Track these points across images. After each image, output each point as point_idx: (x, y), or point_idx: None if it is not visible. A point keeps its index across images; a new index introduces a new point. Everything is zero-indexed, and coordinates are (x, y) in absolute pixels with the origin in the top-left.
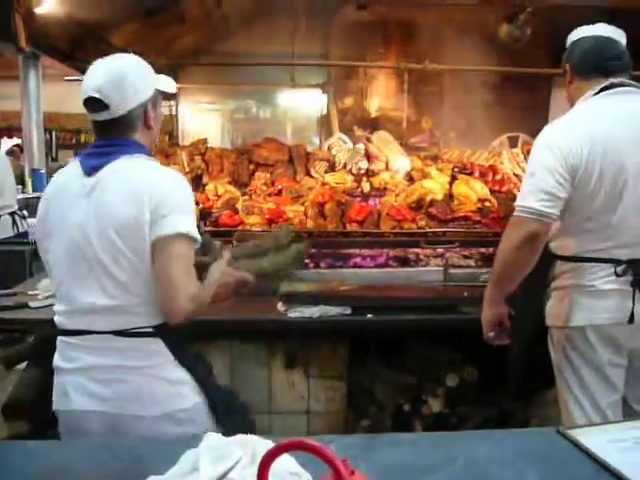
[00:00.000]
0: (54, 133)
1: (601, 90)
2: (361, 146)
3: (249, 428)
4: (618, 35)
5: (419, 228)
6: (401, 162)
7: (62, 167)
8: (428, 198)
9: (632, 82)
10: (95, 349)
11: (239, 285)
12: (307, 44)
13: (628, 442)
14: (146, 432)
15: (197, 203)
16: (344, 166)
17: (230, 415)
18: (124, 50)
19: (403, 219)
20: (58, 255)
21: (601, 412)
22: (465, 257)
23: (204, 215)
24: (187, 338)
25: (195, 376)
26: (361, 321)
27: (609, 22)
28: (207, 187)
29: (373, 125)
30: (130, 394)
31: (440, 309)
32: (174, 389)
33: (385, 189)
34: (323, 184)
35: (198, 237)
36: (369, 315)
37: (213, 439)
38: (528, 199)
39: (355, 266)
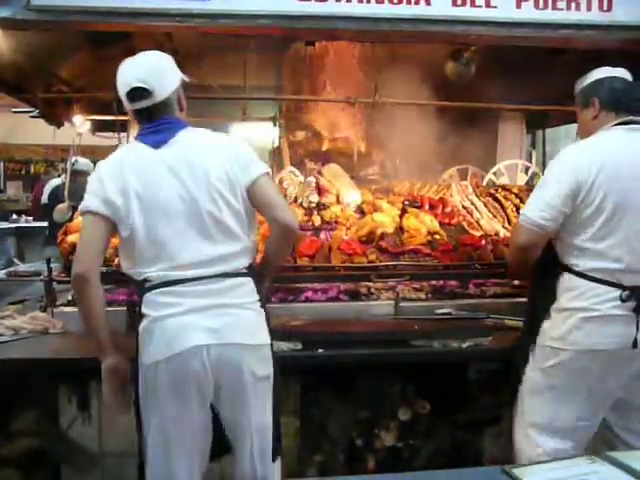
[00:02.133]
0: (2, 164)
1: (620, 123)
2: (312, 179)
3: None
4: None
5: (370, 262)
6: (352, 195)
7: (10, 198)
8: (379, 231)
9: None
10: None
11: None
12: (259, 77)
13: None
14: (246, 362)
15: None
16: (295, 200)
17: None
18: (71, 83)
19: (354, 253)
20: (159, 221)
21: (572, 433)
22: (416, 290)
23: None
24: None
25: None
26: (312, 356)
27: (555, 58)
28: None
29: (324, 158)
30: (236, 325)
31: (391, 343)
32: (263, 324)
33: (336, 222)
34: None
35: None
36: (320, 350)
37: None
38: (530, 209)
39: (306, 300)
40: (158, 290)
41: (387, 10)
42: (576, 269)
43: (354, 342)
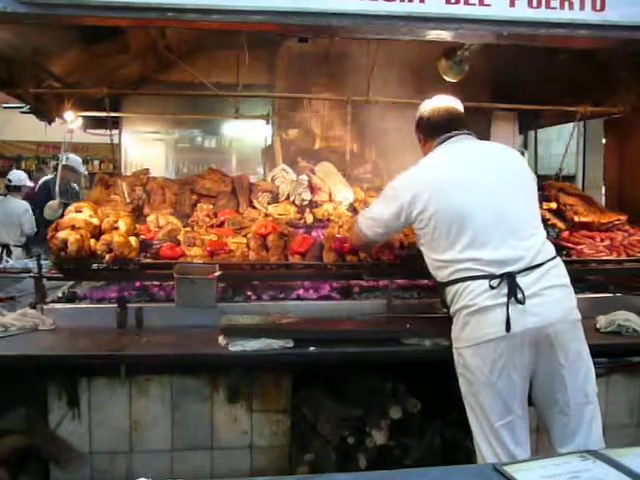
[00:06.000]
0: None
1: (442, 142)
2: (304, 177)
3: None
4: (453, 102)
5: (361, 260)
6: (344, 193)
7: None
8: None
9: (465, 131)
10: None
11: None
12: (252, 75)
13: (563, 477)
14: None
15: (137, 234)
16: (287, 197)
17: None
18: (63, 79)
19: (346, 251)
20: None
21: (495, 432)
22: (407, 288)
23: (145, 246)
24: None
25: None
26: (303, 354)
27: (547, 59)
28: (148, 218)
29: (317, 156)
30: None
31: (383, 341)
32: None
33: (328, 220)
34: (266, 215)
35: None
36: (311, 348)
37: None
38: (365, 223)
39: (298, 298)
40: None
41: (381, 7)
42: (448, 279)
43: (346, 340)
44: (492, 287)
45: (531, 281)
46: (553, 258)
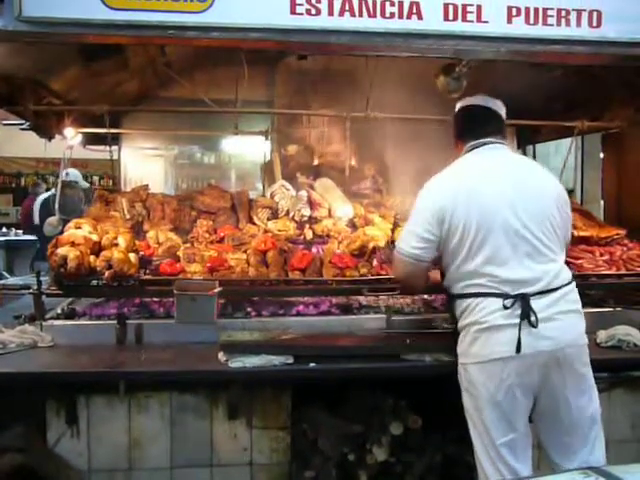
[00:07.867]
0: None
1: (473, 148)
2: (304, 193)
3: None
4: (492, 103)
5: (361, 275)
6: (344, 209)
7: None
8: (371, 245)
9: (498, 140)
10: None
11: None
12: (251, 91)
13: None
14: None
15: (137, 251)
16: (287, 213)
17: None
18: (63, 95)
19: (346, 266)
20: None
21: (497, 449)
22: (407, 304)
23: (144, 263)
24: None
25: None
26: (304, 370)
27: (545, 74)
28: (148, 234)
29: (316, 172)
30: None
31: (383, 357)
32: None
33: (328, 236)
34: (265, 231)
35: None
36: (312, 364)
37: None
38: (402, 241)
39: (298, 314)
40: None
41: (379, 24)
42: (461, 292)
43: (346, 356)
44: (505, 307)
45: (545, 305)
46: (569, 283)
